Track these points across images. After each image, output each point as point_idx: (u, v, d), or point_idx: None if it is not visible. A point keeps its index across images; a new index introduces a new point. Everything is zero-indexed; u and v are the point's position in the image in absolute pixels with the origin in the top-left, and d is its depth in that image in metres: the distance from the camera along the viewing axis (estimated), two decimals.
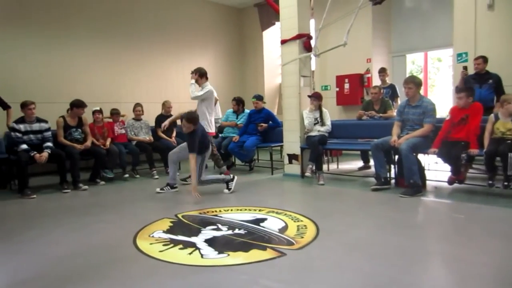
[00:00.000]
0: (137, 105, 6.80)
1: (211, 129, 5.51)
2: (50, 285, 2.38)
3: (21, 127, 5.16)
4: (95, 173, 5.81)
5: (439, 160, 4.74)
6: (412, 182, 4.33)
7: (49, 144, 5.28)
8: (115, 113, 6.59)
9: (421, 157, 4.79)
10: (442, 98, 8.94)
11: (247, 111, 6.93)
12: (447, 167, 4.66)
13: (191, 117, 4.51)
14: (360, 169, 6.39)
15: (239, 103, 6.99)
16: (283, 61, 5.99)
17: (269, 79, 10.46)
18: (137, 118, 6.77)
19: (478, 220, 3.54)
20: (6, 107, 5.68)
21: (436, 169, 5.72)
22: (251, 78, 10.65)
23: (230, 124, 6.94)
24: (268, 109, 6.86)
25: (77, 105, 5.71)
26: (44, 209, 4.39)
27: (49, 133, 5.38)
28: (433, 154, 4.47)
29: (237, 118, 6.97)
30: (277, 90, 10.42)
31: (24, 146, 5.06)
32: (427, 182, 4.83)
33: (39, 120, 5.33)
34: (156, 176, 6.15)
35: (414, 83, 4.59)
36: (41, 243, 3.20)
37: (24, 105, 5.19)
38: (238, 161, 6.95)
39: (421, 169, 4.63)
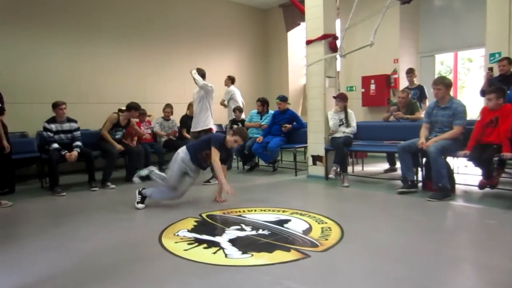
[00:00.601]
0: (167, 106, 7.00)
1: (212, 124, 5.65)
2: (78, 281, 2.44)
3: (53, 126, 5.32)
4: (132, 172, 5.85)
5: (469, 163, 4.60)
6: (441, 186, 4.22)
7: (79, 143, 5.44)
8: (142, 113, 6.73)
9: (450, 160, 4.66)
10: (473, 100, 8.67)
11: (271, 112, 6.93)
12: (478, 171, 4.51)
13: (246, 134, 4.46)
14: (386, 171, 6.27)
15: (263, 104, 7.00)
16: (308, 62, 5.95)
17: (293, 80, 10.43)
18: (167, 118, 6.95)
19: (510, 226, 3.41)
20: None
21: (466, 172, 5.55)
22: (275, 79, 10.65)
23: (254, 125, 6.95)
24: (292, 110, 6.83)
25: (135, 107, 5.91)
26: (73, 207, 4.53)
27: (78, 133, 5.53)
28: (464, 157, 4.33)
29: (261, 119, 6.97)
30: (301, 91, 10.38)
31: (56, 145, 5.23)
32: (456, 186, 4.68)
33: (69, 120, 5.49)
34: None
35: (443, 84, 4.47)
36: (70, 239, 3.30)
37: (56, 105, 5.35)
38: (261, 162, 6.95)
39: (450, 173, 4.50)
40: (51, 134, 5.30)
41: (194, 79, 5.48)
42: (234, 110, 7.34)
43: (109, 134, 5.76)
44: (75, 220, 3.89)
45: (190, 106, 7.06)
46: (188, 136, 6.81)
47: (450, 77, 8.03)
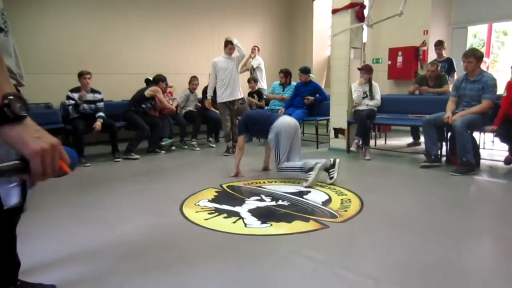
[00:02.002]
0: (195, 78, 6.80)
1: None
2: (103, 250, 2.56)
3: (75, 96, 5.35)
4: (155, 143, 6.03)
5: (496, 139, 4.47)
6: (465, 160, 4.12)
7: (102, 114, 5.46)
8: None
9: (476, 135, 4.53)
10: (506, 75, 8.30)
11: (293, 83, 6.84)
12: (504, 147, 4.38)
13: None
14: (409, 145, 6.16)
15: (286, 75, 6.88)
16: (333, 32, 5.80)
17: (318, 51, 10.20)
18: (193, 91, 6.84)
19: None
20: None
21: (492, 148, 5.40)
22: (299, 49, 10.45)
23: (276, 97, 6.89)
24: (316, 82, 6.72)
25: (163, 79, 6.12)
26: (97, 177, 4.62)
27: (101, 104, 5.54)
28: (491, 132, 4.21)
29: (283, 90, 6.90)
30: (325, 62, 10.17)
31: (70, 106, 5.31)
32: (482, 161, 4.57)
33: (93, 91, 5.50)
34: (198, 148, 6.26)
35: (474, 56, 4.29)
36: (94, 208, 3.38)
37: (80, 75, 5.36)
38: None
39: (475, 148, 4.39)
40: (72, 102, 5.31)
41: (238, 47, 5.59)
42: (249, 81, 7.29)
43: (142, 105, 5.86)
44: (100, 190, 3.99)
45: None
46: (211, 107, 6.67)
47: (482, 50, 7.67)
